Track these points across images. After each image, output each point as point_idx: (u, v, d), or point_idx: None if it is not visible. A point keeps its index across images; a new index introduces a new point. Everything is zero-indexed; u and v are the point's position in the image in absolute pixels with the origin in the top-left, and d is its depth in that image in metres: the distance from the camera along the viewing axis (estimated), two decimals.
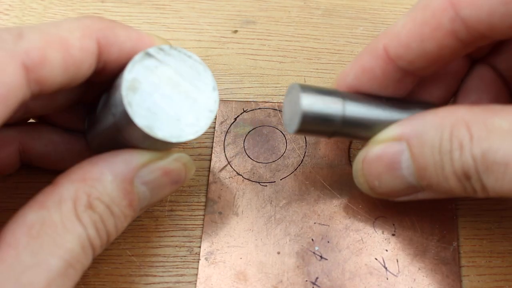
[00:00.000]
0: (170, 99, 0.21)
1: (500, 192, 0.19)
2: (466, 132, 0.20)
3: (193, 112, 0.21)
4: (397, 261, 0.26)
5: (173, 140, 0.21)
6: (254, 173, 0.28)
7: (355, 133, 0.23)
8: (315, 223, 0.26)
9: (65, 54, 0.19)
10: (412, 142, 0.21)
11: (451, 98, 0.26)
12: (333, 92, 0.23)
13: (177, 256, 0.26)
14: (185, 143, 0.22)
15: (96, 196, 0.20)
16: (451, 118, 0.20)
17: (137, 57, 0.20)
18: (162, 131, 0.20)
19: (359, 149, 0.28)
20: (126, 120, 0.20)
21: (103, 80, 0.22)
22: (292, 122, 0.23)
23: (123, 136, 0.21)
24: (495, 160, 0.19)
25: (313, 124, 0.22)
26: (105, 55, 0.21)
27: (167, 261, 0.26)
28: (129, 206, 0.21)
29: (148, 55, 0.20)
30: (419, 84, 0.25)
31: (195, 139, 0.22)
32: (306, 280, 0.25)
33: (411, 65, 0.22)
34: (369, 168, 0.23)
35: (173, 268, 0.26)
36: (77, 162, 0.21)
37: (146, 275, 0.26)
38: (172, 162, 0.22)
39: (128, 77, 0.20)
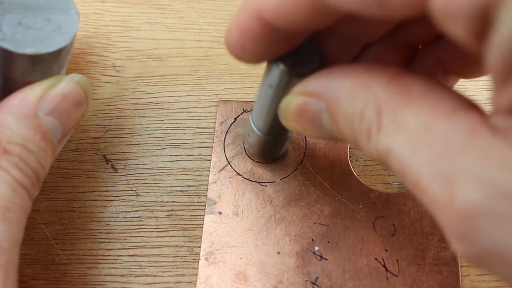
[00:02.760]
0: (32, 20, 0.22)
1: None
2: (376, 119, 0.17)
3: (61, 17, 0.23)
4: (397, 261, 0.26)
5: (63, 44, 0.22)
6: (254, 173, 0.28)
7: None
8: (315, 223, 0.26)
9: None
10: (329, 106, 0.19)
11: None
12: None
13: (177, 256, 0.26)
14: (71, 41, 0.23)
15: (7, 140, 0.20)
16: (366, 93, 0.17)
17: None
18: (48, 46, 0.22)
19: (359, 149, 0.28)
20: (10, 59, 0.21)
21: None
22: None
23: (13, 78, 0.22)
24: (392, 163, 0.17)
25: None
26: None
27: (167, 261, 0.26)
28: (43, 139, 0.22)
29: None
30: None
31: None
32: (306, 280, 0.25)
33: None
34: (294, 119, 0.21)
35: (173, 268, 0.26)
36: None
37: (146, 275, 0.26)
38: (66, 85, 0.23)
39: None
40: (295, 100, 0.21)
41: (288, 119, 0.22)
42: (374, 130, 0.17)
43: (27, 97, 0.22)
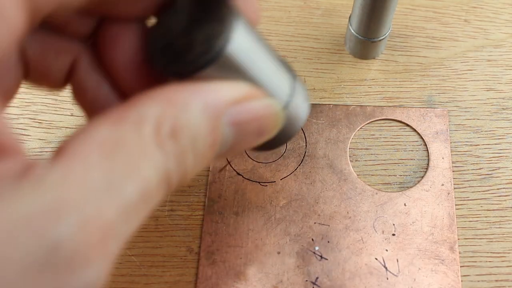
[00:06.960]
0: None
1: None
2: None
3: None
4: (397, 261, 0.26)
5: None
6: (254, 173, 0.28)
7: None
8: (315, 223, 0.26)
9: None
10: None
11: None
12: None
13: (177, 256, 0.26)
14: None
15: (182, 125, 0.16)
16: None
17: None
18: None
19: (359, 149, 0.29)
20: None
21: None
22: None
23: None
24: None
25: None
26: None
27: (167, 261, 0.26)
28: (211, 146, 0.17)
29: None
30: None
31: None
32: (306, 280, 0.25)
33: None
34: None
35: (173, 267, 0.26)
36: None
37: (146, 275, 0.26)
38: (264, 106, 0.19)
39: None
40: None
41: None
42: None
43: (223, 94, 0.18)
